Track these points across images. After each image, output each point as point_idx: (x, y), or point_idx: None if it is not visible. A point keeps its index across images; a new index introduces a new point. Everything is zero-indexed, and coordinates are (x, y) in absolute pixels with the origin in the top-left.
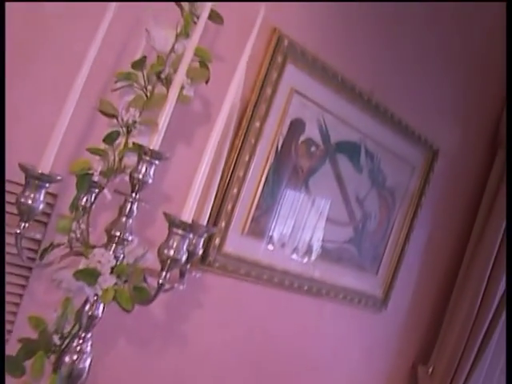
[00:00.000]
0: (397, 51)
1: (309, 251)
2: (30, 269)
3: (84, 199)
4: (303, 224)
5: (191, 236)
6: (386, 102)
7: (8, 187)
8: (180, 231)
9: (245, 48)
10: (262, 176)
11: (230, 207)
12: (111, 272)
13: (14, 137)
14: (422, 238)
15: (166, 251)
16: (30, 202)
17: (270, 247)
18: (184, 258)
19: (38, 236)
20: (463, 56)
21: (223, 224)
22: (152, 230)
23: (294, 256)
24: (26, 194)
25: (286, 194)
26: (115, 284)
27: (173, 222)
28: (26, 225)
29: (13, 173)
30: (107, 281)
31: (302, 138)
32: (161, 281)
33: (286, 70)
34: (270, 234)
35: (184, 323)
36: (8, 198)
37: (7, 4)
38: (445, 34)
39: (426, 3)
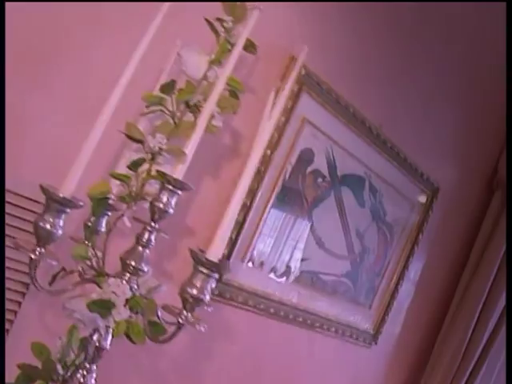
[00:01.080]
0: (405, 91)
1: (307, 282)
2: (26, 285)
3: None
4: (305, 255)
5: (217, 276)
6: (393, 139)
7: (18, 201)
8: (205, 270)
9: (280, 91)
10: (267, 204)
11: (233, 235)
12: (125, 304)
13: (26, 150)
14: (415, 273)
15: (189, 289)
16: (48, 226)
17: (272, 276)
18: (207, 297)
19: (54, 263)
20: (464, 99)
21: (225, 252)
22: (170, 262)
23: (293, 286)
24: (46, 217)
25: (289, 224)
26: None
27: (199, 260)
28: (43, 250)
29: (28, 188)
30: (121, 314)
31: (309, 169)
32: (181, 320)
33: (301, 99)
34: (273, 264)
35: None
36: (14, 210)
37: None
38: (449, 78)
39: (433, 54)
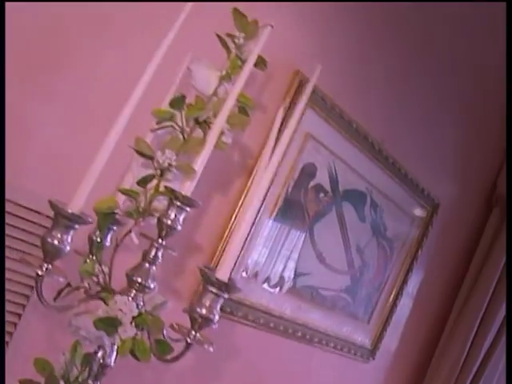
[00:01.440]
0: (407, 108)
1: (307, 297)
2: (27, 297)
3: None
4: (306, 270)
5: (226, 296)
6: (395, 155)
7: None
8: (215, 290)
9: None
10: (269, 218)
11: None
12: (131, 321)
13: (28, 159)
14: (413, 288)
15: (198, 309)
16: (56, 242)
17: (267, 287)
18: (217, 317)
19: (62, 280)
20: (465, 116)
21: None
22: (177, 279)
23: (292, 300)
24: (54, 233)
25: (284, 234)
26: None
27: (208, 280)
28: (50, 266)
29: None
30: (127, 332)
31: (312, 183)
32: (189, 340)
33: (305, 114)
34: (267, 274)
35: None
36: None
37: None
38: (450, 96)
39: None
